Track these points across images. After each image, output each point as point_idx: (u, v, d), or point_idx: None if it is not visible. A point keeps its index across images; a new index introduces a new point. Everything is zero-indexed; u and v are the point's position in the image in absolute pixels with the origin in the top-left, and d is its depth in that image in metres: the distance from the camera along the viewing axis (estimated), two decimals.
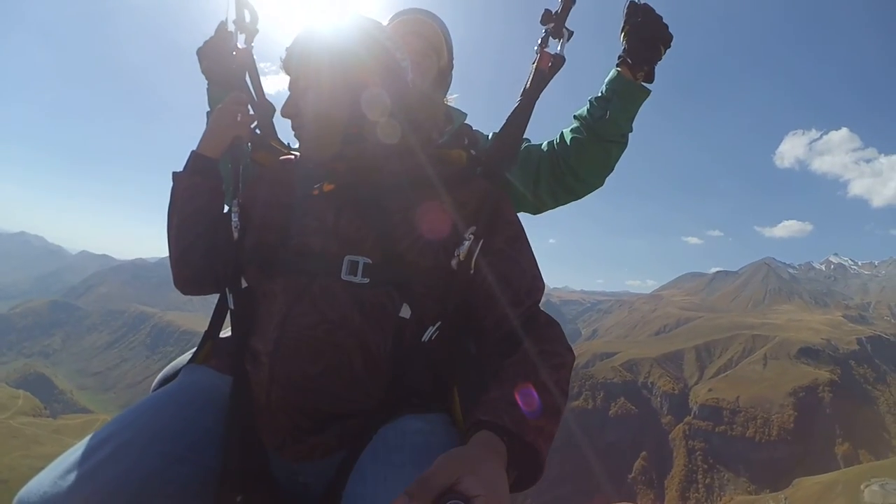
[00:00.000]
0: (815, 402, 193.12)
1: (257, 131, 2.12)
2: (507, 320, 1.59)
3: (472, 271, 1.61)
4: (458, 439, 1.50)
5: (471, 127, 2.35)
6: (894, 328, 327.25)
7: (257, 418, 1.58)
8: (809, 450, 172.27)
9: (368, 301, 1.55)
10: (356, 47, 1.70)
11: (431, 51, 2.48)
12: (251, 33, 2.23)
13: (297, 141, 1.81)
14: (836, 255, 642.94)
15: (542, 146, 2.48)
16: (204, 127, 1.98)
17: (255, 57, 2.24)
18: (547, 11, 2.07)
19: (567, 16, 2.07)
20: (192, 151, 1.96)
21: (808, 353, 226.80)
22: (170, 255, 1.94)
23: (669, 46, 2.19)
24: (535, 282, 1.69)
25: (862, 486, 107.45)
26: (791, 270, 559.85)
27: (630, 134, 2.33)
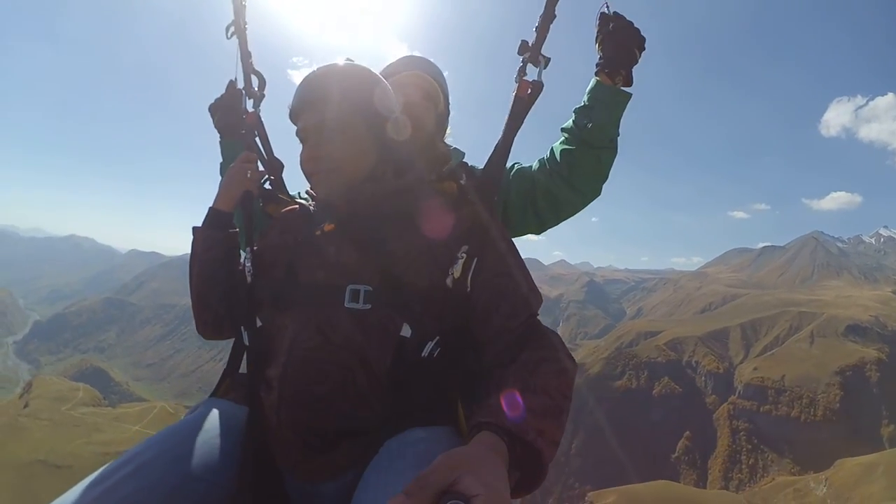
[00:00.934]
0: (862, 381, 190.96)
1: (268, 186, 2.30)
2: (505, 333, 1.68)
3: (468, 289, 1.73)
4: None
5: (467, 164, 2.54)
6: None
7: (270, 440, 1.68)
8: (855, 430, 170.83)
9: (370, 323, 1.66)
10: (343, 99, 1.82)
11: (429, 101, 2.52)
12: (258, 98, 2.44)
13: (310, 185, 1.95)
14: (885, 227, 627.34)
15: (534, 166, 2.55)
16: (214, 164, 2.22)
17: (262, 119, 2.43)
18: (523, 42, 2.20)
19: (542, 45, 2.20)
20: (209, 207, 2.15)
21: (856, 331, 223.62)
22: (192, 302, 2.08)
23: (644, 49, 2.28)
24: (530, 294, 1.77)
25: None
26: (840, 244, 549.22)
27: (618, 138, 2.38)
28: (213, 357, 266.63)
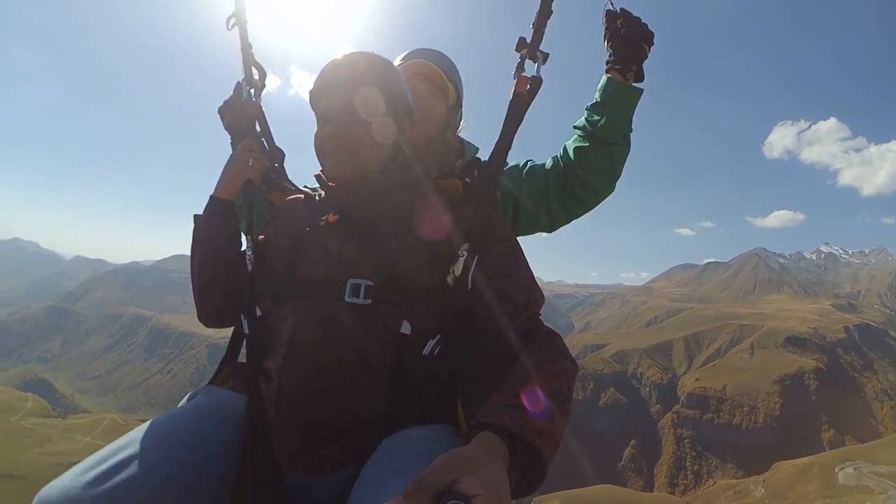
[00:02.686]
0: (801, 389, 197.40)
1: (271, 175, 2.29)
2: (506, 332, 1.64)
3: (468, 287, 1.70)
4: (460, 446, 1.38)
5: (480, 160, 2.45)
6: (883, 316, 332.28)
7: (269, 433, 1.65)
8: (795, 436, 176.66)
9: (370, 319, 1.63)
10: (371, 85, 1.82)
11: (438, 92, 2.49)
12: (259, 88, 2.47)
13: (320, 164, 1.91)
14: (826, 244, 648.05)
15: (547, 163, 2.53)
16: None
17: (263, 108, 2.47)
18: (521, 39, 2.17)
19: (540, 41, 2.16)
20: (210, 195, 2.14)
21: (795, 342, 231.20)
22: (193, 292, 2.08)
23: (653, 44, 2.29)
24: (531, 294, 1.75)
25: (836, 469, 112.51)
26: (781, 260, 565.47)
27: (631, 134, 2.39)
28: (161, 370, 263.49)
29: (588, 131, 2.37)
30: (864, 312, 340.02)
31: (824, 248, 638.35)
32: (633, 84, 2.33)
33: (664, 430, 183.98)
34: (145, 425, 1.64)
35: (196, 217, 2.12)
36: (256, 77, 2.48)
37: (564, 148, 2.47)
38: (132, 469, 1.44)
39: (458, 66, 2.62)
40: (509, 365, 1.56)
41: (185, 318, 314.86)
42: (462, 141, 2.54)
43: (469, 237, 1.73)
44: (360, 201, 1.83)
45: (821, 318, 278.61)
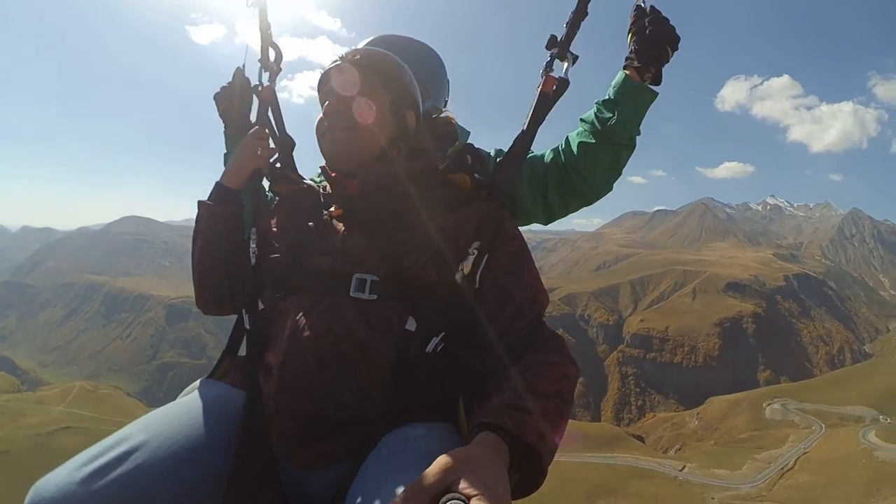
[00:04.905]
0: (740, 332, 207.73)
1: (278, 164, 2.23)
2: (510, 333, 1.62)
3: (476, 285, 1.67)
4: (460, 446, 1.35)
5: (473, 145, 2.43)
6: (823, 267, 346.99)
7: (267, 426, 1.63)
8: (733, 375, 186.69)
9: (375, 314, 1.61)
10: (370, 68, 1.84)
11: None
12: (275, 72, 2.39)
13: (320, 148, 1.90)
14: (772, 196, 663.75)
15: (547, 154, 2.42)
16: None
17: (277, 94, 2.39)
18: (552, 37, 2.16)
19: (571, 42, 2.16)
20: (217, 182, 2.10)
21: (736, 288, 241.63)
22: (193, 277, 2.04)
23: (677, 48, 2.22)
24: (537, 295, 1.73)
25: (765, 405, 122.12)
26: (728, 210, 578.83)
27: (638, 137, 2.31)
28: (120, 335, 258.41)
29: (596, 127, 2.25)
30: (804, 263, 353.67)
31: (770, 200, 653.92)
32: (650, 86, 2.22)
33: (610, 368, 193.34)
34: (142, 419, 1.63)
35: (200, 203, 2.08)
36: (273, 59, 2.39)
37: (567, 140, 2.36)
38: (129, 465, 1.43)
39: (438, 56, 2.64)
40: (511, 365, 1.54)
41: (141, 280, 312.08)
42: (453, 126, 2.36)
43: (480, 235, 1.72)
44: (365, 193, 1.81)
45: (762, 266, 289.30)
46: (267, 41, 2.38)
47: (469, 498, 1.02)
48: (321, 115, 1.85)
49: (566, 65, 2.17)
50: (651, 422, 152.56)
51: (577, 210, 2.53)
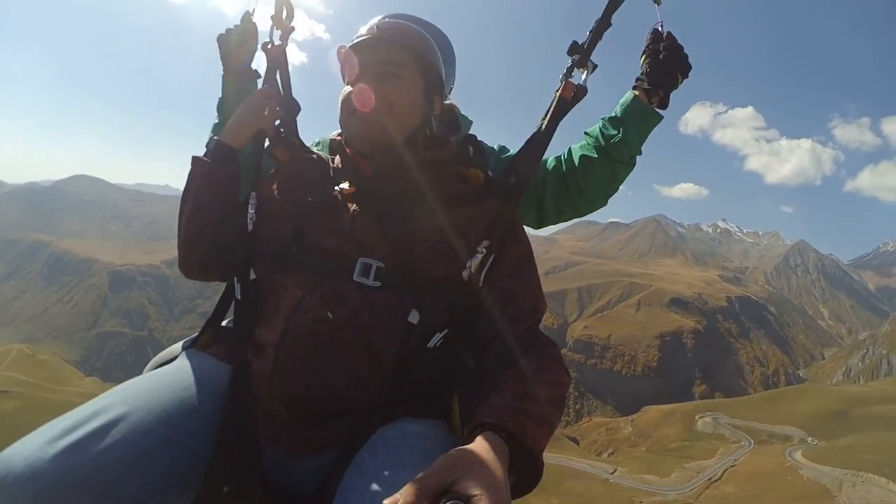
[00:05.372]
0: (679, 346, 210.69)
1: (282, 129, 2.10)
2: (507, 336, 1.61)
3: (480, 284, 1.64)
4: (456, 445, 1.35)
5: (475, 137, 2.30)
6: (765, 293, 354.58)
7: (254, 409, 1.58)
8: (670, 387, 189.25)
9: (378, 303, 1.56)
10: (406, 48, 1.79)
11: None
12: (287, 31, 2.23)
13: (344, 124, 1.83)
14: (724, 220, 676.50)
15: (549, 162, 2.44)
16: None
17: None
18: (574, 43, 2.16)
19: (593, 50, 2.17)
20: (215, 139, 1.97)
21: (679, 304, 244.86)
22: (178, 237, 1.94)
23: (687, 76, 2.26)
24: (537, 302, 1.72)
25: (697, 417, 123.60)
26: (680, 229, 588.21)
27: (638, 157, 2.34)
28: (61, 299, 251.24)
29: (600, 143, 2.29)
30: (748, 287, 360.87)
31: (721, 224, 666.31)
32: (656, 109, 2.26)
33: None
34: (121, 389, 1.53)
35: (195, 159, 1.94)
36: (285, 18, 2.23)
37: (570, 151, 2.39)
38: (108, 440, 1.33)
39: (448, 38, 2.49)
40: (507, 368, 1.53)
41: (86, 243, 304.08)
42: (456, 115, 2.32)
43: (490, 234, 1.68)
44: (380, 174, 1.74)
45: (707, 285, 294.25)
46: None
47: (469, 498, 1.02)
48: (350, 90, 1.76)
49: (585, 73, 2.17)
50: (587, 425, 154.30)
51: (568, 220, 2.56)
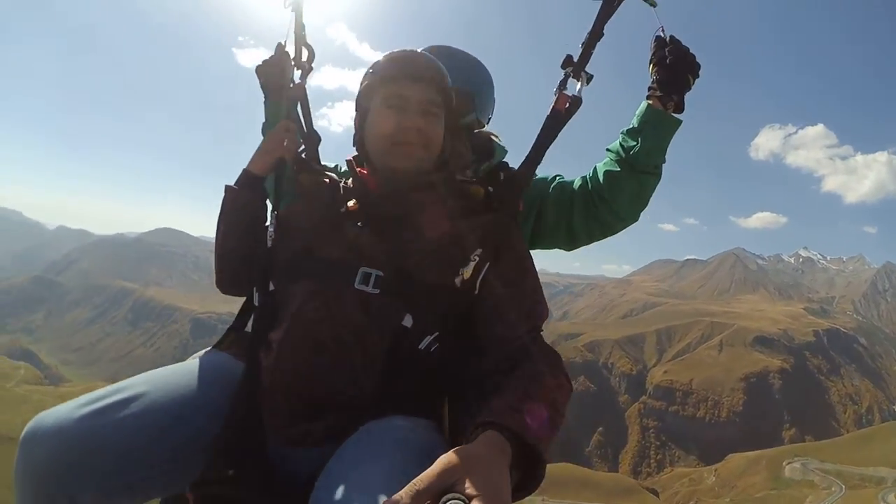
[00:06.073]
0: (765, 387, 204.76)
1: (303, 155, 2.35)
2: (506, 342, 1.66)
3: (476, 291, 1.73)
4: (442, 444, 1.53)
5: (507, 164, 2.49)
6: (854, 323, 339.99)
7: (260, 399, 1.68)
8: (757, 432, 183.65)
9: (375, 306, 1.67)
10: (447, 85, 1.98)
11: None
12: (307, 71, 2.51)
13: (381, 151, 1.93)
14: (805, 248, 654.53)
15: (577, 181, 2.50)
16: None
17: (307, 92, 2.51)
18: (568, 57, 2.22)
19: (586, 62, 2.21)
20: (244, 168, 2.18)
21: (763, 342, 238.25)
22: (214, 258, 2.15)
23: (698, 76, 2.28)
24: (536, 307, 1.78)
25: (784, 463, 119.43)
26: (760, 261, 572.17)
27: (664, 165, 2.36)
28: (144, 343, 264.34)
29: (621, 156, 2.33)
30: (835, 318, 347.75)
31: (803, 253, 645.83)
32: (673, 114, 2.27)
33: (631, 419, 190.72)
34: (144, 375, 1.72)
35: (227, 188, 2.17)
36: (305, 59, 2.51)
37: (595, 169, 2.44)
38: (126, 411, 1.53)
39: (489, 71, 2.70)
40: (507, 372, 1.57)
41: (170, 291, 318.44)
42: (492, 143, 2.53)
43: (483, 244, 1.78)
44: (384, 191, 1.91)
45: (792, 320, 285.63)
46: (301, 42, 2.49)
47: (470, 498, 1.02)
48: (403, 122, 1.87)
49: (580, 84, 2.21)
50: (668, 476, 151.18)
51: (601, 239, 2.58)
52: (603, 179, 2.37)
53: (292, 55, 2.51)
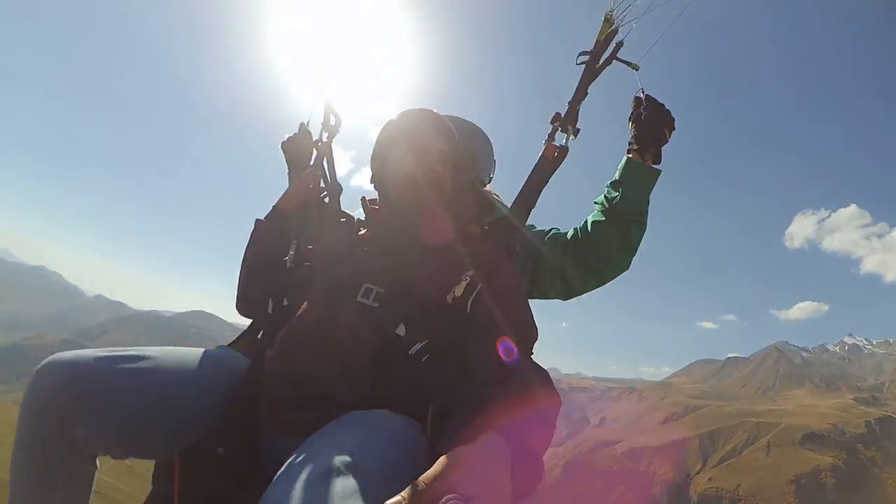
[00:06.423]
0: (818, 487, 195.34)
1: (325, 200, 2.64)
2: (495, 358, 1.71)
3: (467, 310, 1.89)
4: (419, 437, 1.60)
5: (509, 219, 2.50)
6: None
7: (259, 388, 1.82)
8: None
9: (372, 316, 1.84)
10: (453, 139, 2.26)
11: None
12: (333, 133, 2.84)
13: (399, 191, 2.17)
14: (850, 335, 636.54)
15: (569, 233, 2.70)
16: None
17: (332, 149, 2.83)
18: (556, 114, 2.41)
19: (572, 119, 2.41)
20: (273, 205, 2.53)
21: (813, 439, 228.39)
22: (238, 282, 2.40)
23: (674, 129, 2.51)
24: (526, 328, 1.90)
25: None
26: (804, 354, 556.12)
27: (647, 214, 2.55)
28: None
29: (605, 206, 2.53)
30: (887, 405, 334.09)
31: (848, 340, 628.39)
32: (651, 165, 2.47)
33: None
34: (160, 347, 1.91)
35: (257, 220, 2.46)
36: (333, 123, 2.83)
37: (585, 221, 2.63)
38: (138, 366, 1.74)
39: (489, 137, 2.94)
40: (499, 383, 1.60)
41: None
42: (492, 200, 2.69)
43: (476, 267, 1.93)
44: (391, 222, 2.17)
45: (841, 412, 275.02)
46: (329, 109, 2.83)
47: (470, 499, 1.04)
48: (422, 166, 2.13)
49: (567, 136, 2.37)
50: None
51: (595, 288, 2.74)
52: (591, 229, 2.57)
53: (321, 120, 2.84)
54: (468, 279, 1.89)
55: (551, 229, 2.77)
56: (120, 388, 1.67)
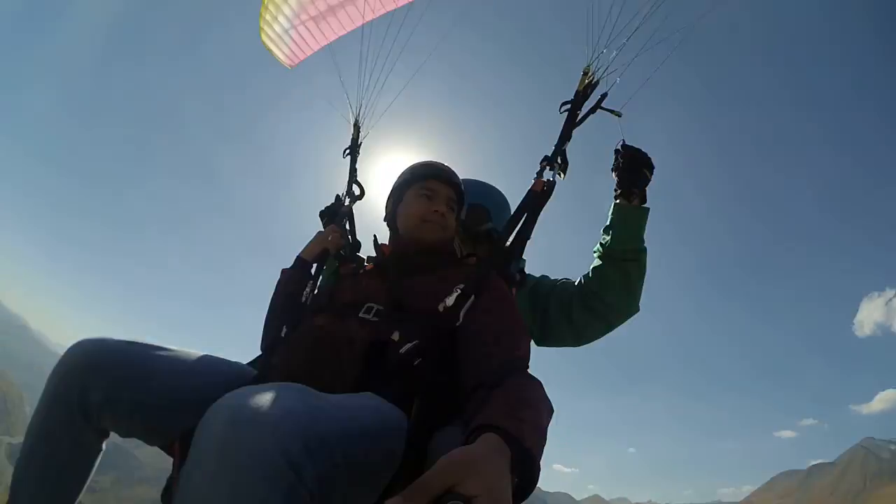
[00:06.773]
0: None
1: (344, 253, 2.91)
2: (487, 365, 1.82)
3: (459, 321, 2.00)
4: (401, 422, 1.68)
5: (520, 268, 2.76)
6: None
7: (261, 381, 1.95)
8: None
9: (369, 324, 2.03)
10: (459, 185, 2.56)
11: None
12: (354, 198, 3.24)
13: (411, 228, 2.46)
14: None
15: (577, 281, 2.87)
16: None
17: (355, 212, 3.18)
18: (545, 156, 2.67)
19: (559, 159, 2.67)
20: (297, 255, 2.74)
21: None
22: (264, 325, 2.53)
23: (653, 167, 2.70)
24: (517, 340, 1.97)
25: None
26: (892, 447, 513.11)
27: (644, 254, 2.69)
28: None
29: (601, 251, 2.71)
30: None
31: None
32: (638, 205, 2.68)
33: None
34: (177, 347, 2.07)
35: (283, 270, 2.69)
36: (357, 193, 3.28)
37: (590, 269, 2.80)
38: (153, 353, 1.91)
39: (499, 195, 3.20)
40: (494, 386, 1.67)
41: None
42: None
43: (466, 280, 2.12)
44: (395, 256, 2.46)
45: None
46: (352, 180, 3.33)
47: (471, 499, 1.05)
48: (433, 207, 2.44)
49: (554, 173, 2.64)
50: None
51: (603, 332, 2.90)
52: (592, 275, 2.76)
53: (346, 190, 3.31)
54: (459, 291, 2.06)
55: (562, 280, 2.99)
56: (139, 366, 1.83)
